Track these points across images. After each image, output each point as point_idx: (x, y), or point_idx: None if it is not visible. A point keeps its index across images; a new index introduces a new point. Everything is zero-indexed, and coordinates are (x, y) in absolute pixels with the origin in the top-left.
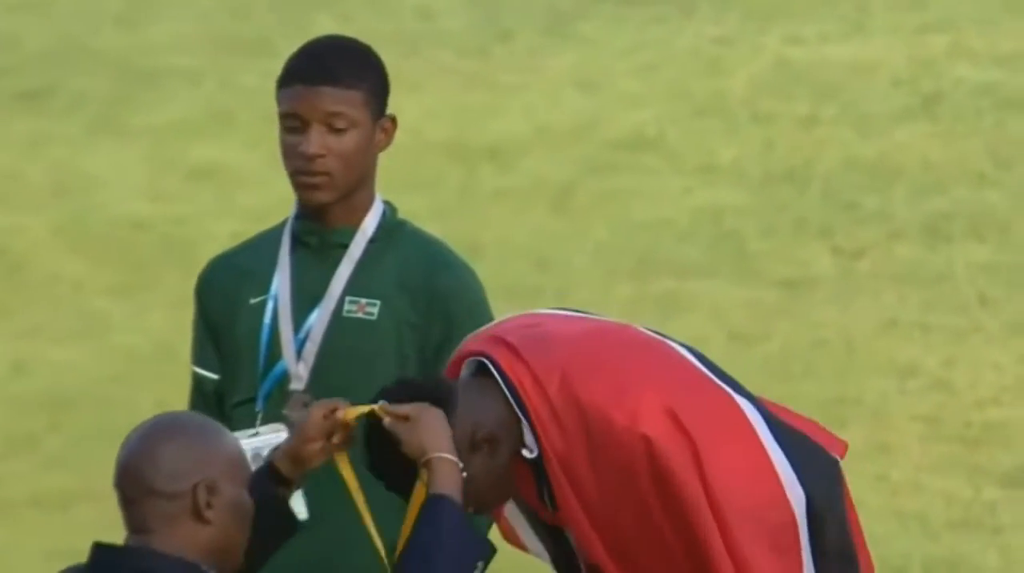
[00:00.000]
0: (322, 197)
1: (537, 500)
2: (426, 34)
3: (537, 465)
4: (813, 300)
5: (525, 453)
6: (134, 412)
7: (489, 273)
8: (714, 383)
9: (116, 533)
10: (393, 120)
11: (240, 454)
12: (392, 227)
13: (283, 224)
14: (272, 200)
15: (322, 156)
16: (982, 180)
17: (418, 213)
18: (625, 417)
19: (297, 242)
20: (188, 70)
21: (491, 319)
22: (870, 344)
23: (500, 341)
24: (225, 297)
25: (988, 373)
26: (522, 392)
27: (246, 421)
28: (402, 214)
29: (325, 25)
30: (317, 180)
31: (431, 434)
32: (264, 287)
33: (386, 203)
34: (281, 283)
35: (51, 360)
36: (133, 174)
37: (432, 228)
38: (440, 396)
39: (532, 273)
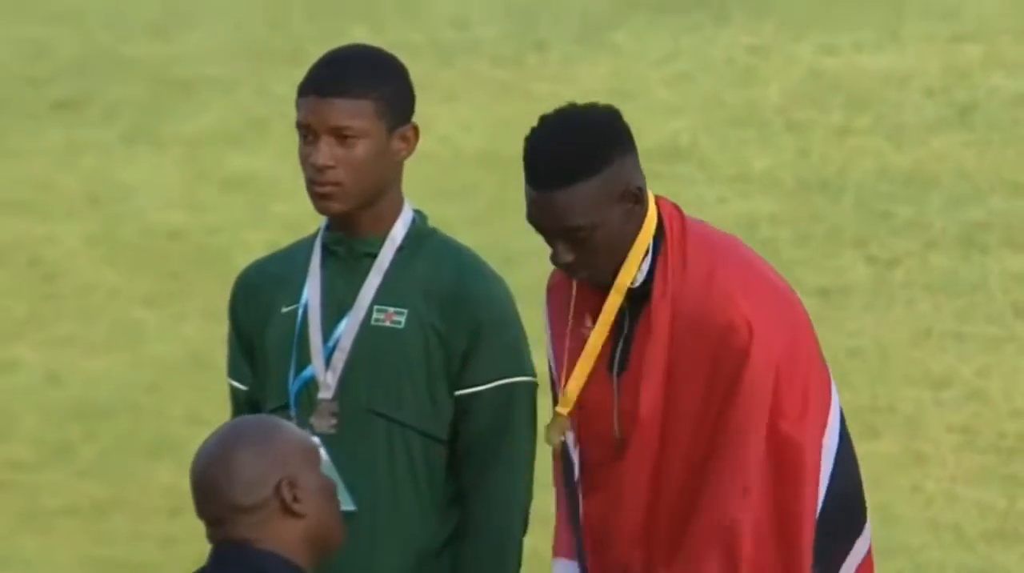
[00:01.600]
0: (334, 207)
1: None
2: (460, 43)
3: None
4: (847, 309)
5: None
6: (168, 422)
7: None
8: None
9: (148, 542)
10: (415, 129)
11: (306, 439)
12: (421, 235)
13: (316, 233)
14: (306, 210)
15: (331, 167)
16: (1017, 190)
17: (452, 222)
18: (743, 308)
19: (327, 251)
20: (222, 79)
21: (519, 328)
22: (905, 353)
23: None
24: (258, 305)
25: (1023, 383)
26: (668, 223)
27: None
28: (435, 223)
29: (359, 35)
30: (327, 190)
31: None
32: (296, 296)
33: (416, 211)
34: (311, 292)
35: (85, 369)
36: (168, 183)
37: (465, 238)
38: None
39: None
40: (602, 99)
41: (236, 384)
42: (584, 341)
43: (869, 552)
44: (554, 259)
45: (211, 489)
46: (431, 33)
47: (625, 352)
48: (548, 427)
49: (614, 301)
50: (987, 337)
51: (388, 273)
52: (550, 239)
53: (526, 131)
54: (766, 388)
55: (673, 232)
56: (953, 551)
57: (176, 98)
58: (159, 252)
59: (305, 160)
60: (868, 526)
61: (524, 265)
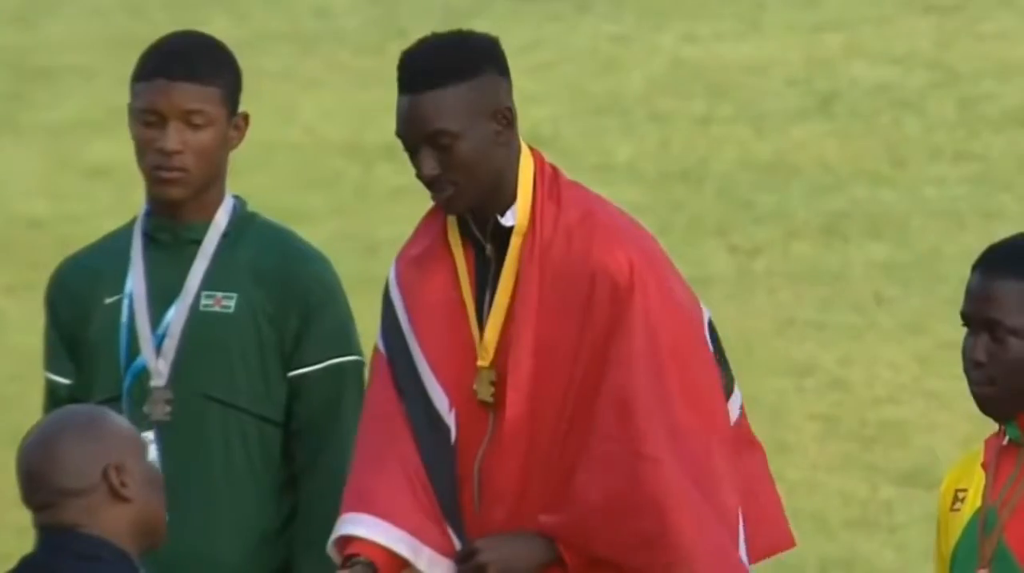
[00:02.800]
0: (178, 193)
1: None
2: (323, 32)
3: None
4: (710, 299)
5: (507, 218)
6: (30, 411)
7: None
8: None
9: (4, 532)
10: (246, 118)
11: (132, 428)
12: (244, 220)
13: (132, 223)
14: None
15: (180, 152)
16: (878, 179)
17: (316, 212)
18: (623, 249)
19: (149, 239)
20: (84, 68)
21: (347, 306)
22: (767, 343)
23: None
24: (77, 299)
25: (884, 372)
26: (539, 166)
27: None
28: (299, 212)
29: (221, 23)
30: (175, 175)
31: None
32: (118, 286)
33: (236, 197)
34: (136, 281)
35: None
36: (29, 172)
37: (329, 227)
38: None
39: None
40: None
41: (57, 378)
42: (451, 302)
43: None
44: (419, 172)
45: (39, 474)
46: (294, 22)
47: (491, 297)
48: (476, 383)
49: (516, 244)
50: (849, 326)
51: (214, 258)
52: (416, 150)
53: (389, 119)
54: (652, 328)
55: (545, 174)
56: (815, 539)
57: (37, 87)
58: (21, 242)
59: (148, 144)
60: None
61: (389, 254)
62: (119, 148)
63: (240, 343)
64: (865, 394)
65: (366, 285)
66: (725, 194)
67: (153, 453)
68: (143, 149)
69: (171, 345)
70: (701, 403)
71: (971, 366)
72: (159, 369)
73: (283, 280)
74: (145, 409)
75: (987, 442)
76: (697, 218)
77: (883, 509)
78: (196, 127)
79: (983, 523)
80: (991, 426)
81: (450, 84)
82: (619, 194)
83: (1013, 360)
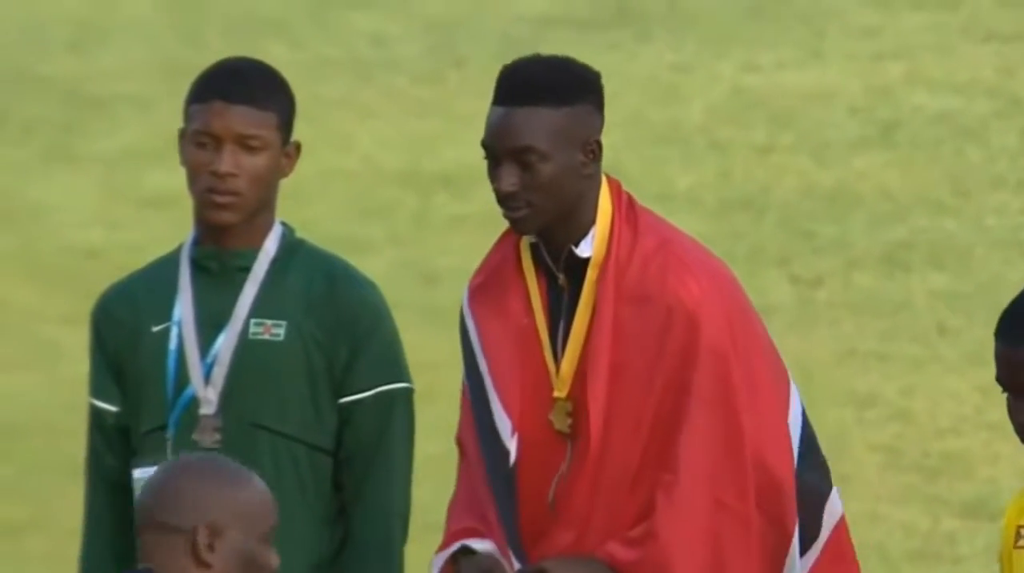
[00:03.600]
0: (230, 218)
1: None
2: (379, 60)
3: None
4: (771, 328)
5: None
6: (85, 442)
7: (445, 302)
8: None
9: (66, 564)
10: (298, 147)
11: (267, 508)
12: (292, 247)
13: (176, 251)
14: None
15: (234, 175)
16: (940, 208)
17: (373, 241)
18: (692, 284)
19: (196, 267)
20: (139, 97)
21: (395, 332)
22: (828, 373)
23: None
24: (124, 327)
25: (947, 402)
26: (615, 196)
27: (156, 449)
28: (357, 241)
29: (276, 51)
30: (227, 200)
31: None
32: (165, 314)
33: (283, 224)
34: (184, 308)
35: (1, 389)
36: (85, 202)
37: (387, 256)
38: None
39: None
40: None
41: (103, 405)
42: (523, 330)
43: (842, 517)
44: (497, 185)
45: (145, 496)
46: (350, 50)
47: (567, 328)
48: (552, 414)
49: (592, 277)
50: (911, 357)
51: (263, 285)
52: (499, 162)
53: (446, 149)
54: (723, 359)
55: (622, 202)
56: (877, 572)
57: (92, 116)
58: (77, 271)
59: (201, 167)
60: (836, 492)
61: (445, 283)
62: (175, 177)
63: (290, 371)
64: (927, 425)
65: (425, 315)
66: (786, 224)
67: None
68: (196, 172)
69: (220, 373)
70: (769, 445)
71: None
72: (208, 397)
73: (332, 306)
74: (194, 437)
75: None
76: (758, 248)
77: (946, 541)
78: (251, 151)
79: None
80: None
81: (548, 105)
82: (679, 224)
83: None
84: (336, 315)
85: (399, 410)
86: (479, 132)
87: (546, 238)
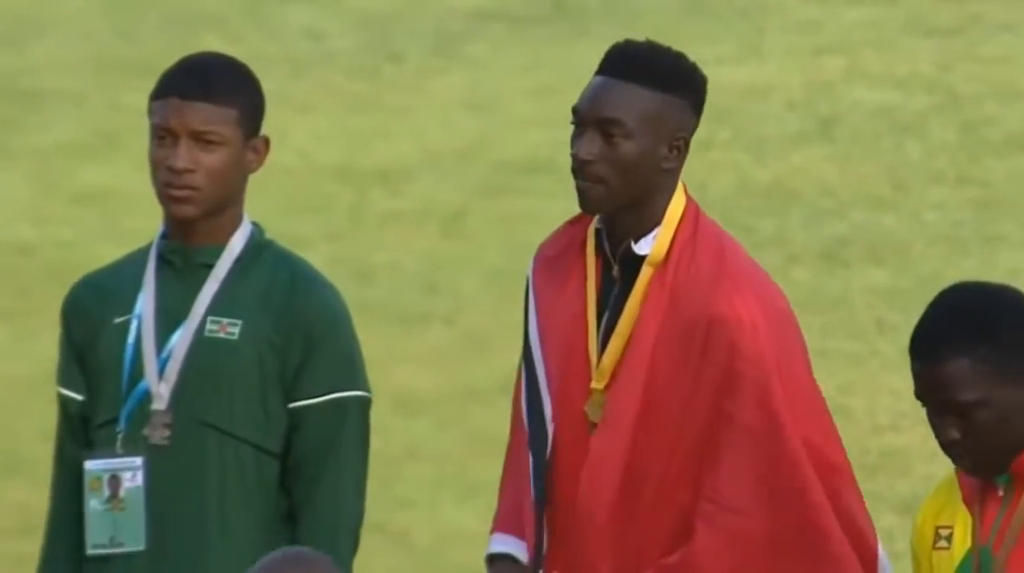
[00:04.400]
0: (188, 211)
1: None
2: (315, 55)
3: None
4: None
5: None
6: (19, 439)
7: (379, 298)
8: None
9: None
10: (266, 141)
11: None
12: (259, 247)
13: (150, 245)
14: (160, 223)
15: (191, 171)
16: (879, 204)
17: (308, 236)
18: (749, 304)
19: (162, 262)
20: (73, 92)
21: (354, 338)
22: None
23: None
24: (89, 318)
25: (885, 399)
26: (687, 207)
27: (108, 442)
28: (290, 237)
29: (212, 45)
30: (184, 194)
31: None
32: (128, 307)
33: (254, 223)
34: (145, 303)
35: None
36: (17, 197)
37: (322, 252)
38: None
39: (422, 298)
40: (459, 111)
41: (69, 393)
42: (574, 314)
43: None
44: (576, 152)
45: None
46: (285, 45)
47: (611, 321)
48: (588, 405)
49: (648, 274)
50: (850, 353)
51: (224, 284)
52: (583, 129)
53: (382, 144)
54: (764, 385)
55: (689, 208)
56: None
57: (25, 110)
58: (9, 268)
59: (160, 163)
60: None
61: (379, 279)
62: (109, 172)
63: (242, 371)
64: (866, 422)
65: (359, 311)
66: (724, 219)
67: (139, 480)
68: (155, 167)
69: (174, 369)
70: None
71: (947, 445)
72: (160, 392)
73: (289, 309)
74: (145, 432)
75: (961, 477)
76: None
77: (885, 538)
78: (208, 146)
79: (978, 564)
80: None
81: (648, 86)
82: None
83: (983, 430)
84: (292, 318)
85: (352, 418)
86: (414, 127)
87: (610, 226)
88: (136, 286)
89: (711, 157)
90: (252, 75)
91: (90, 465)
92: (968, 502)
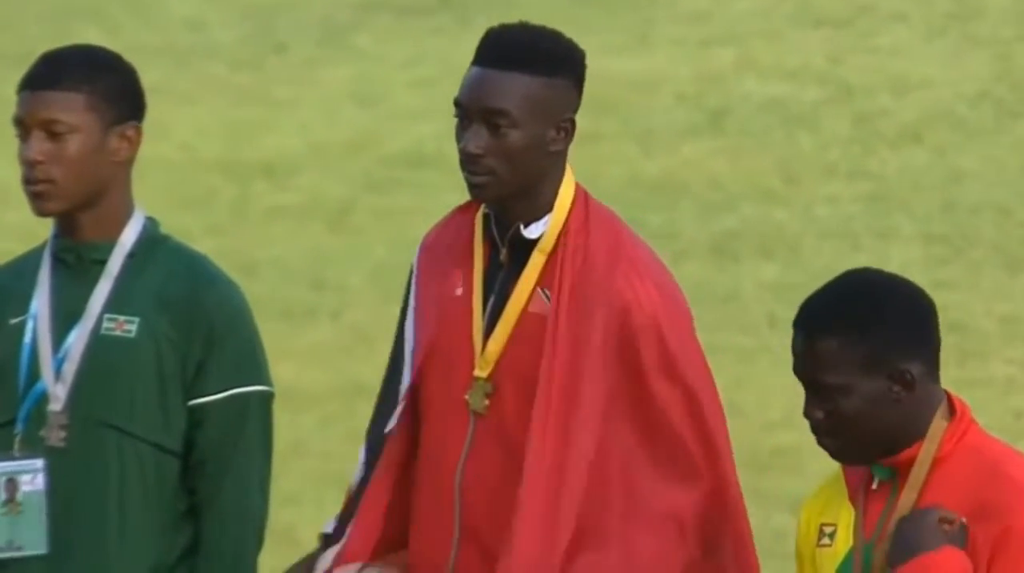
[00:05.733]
0: (49, 206)
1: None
2: (197, 46)
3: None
4: None
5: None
6: None
7: (264, 293)
8: None
9: None
10: (137, 129)
11: None
12: (154, 242)
13: (46, 243)
14: (41, 218)
15: (41, 163)
16: (771, 197)
17: (190, 230)
18: (639, 286)
19: (56, 260)
20: None
21: (256, 334)
22: None
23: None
24: None
25: (777, 396)
26: (577, 193)
27: (5, 444)
28: (173, 232)
29: (92, 37)
30: (40, 188)
31: None
32: (23, 307)
33: (148, 218)
34: (40, 302)
35: None
36: None
37: (205, 246)
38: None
39: (308, 293)
40: (345, 103)
41: None
42: (457, 302)
43: None
44: (463, 146)
45: None
46: (166, 35)
47: (497, 306)
48: (469, 393)
49: (538, 262)
50: (740, 348)
51: (118, 280)
52: (468, 122)
53: (266, 137)
54: (676, 366)
55: (579, 193)
56: None
57: None
58: None
59: (20, 158)
60: None
61: (264, 274)
62: None
63: (139, 369)
64: (757, 419)
65: None
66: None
67: (39, 483)
68: (20, 165)
69: (70, 369)
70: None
71: (812, 424)
72: (57, 393)
73: (187, 305)
74: (42, 433)
75: (847, 474)
76: None
77: (775, 538)
78: (57, 136)
79: (860, 561)
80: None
81: (527, 72)
82: None
83: (844, 416)
84: (190, 314)
85: (254, 414)
86: (300, 119)
87: (499, 211)
88: (31, 285)
89: (599, 150)
90: (114, 62)
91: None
92: (852, 498)
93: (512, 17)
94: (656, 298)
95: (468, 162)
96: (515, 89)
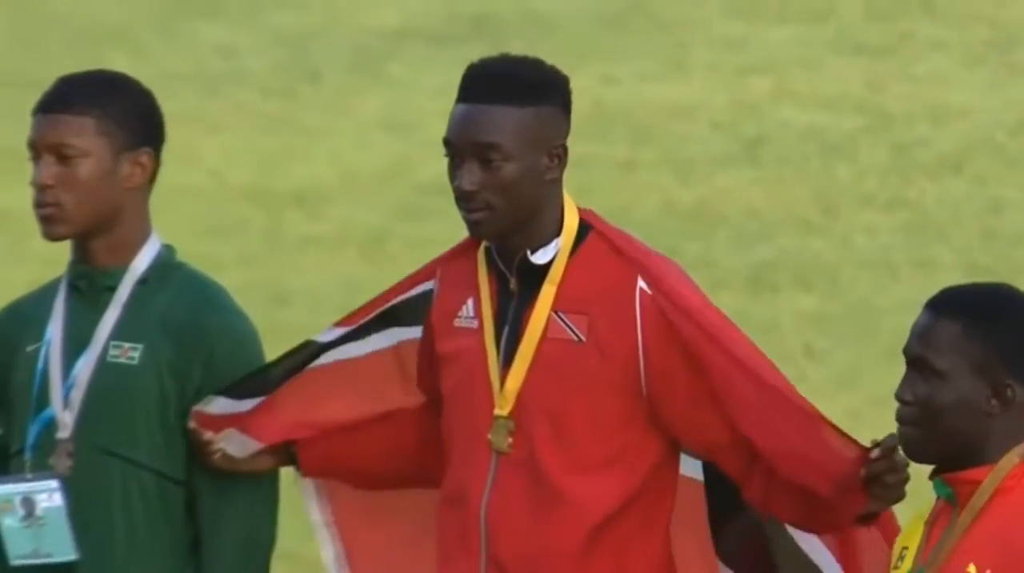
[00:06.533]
0: (58, 230)
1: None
2: (228, 73)
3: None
4: None
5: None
6: None
7: (296, 323)
8: None
9: None
10: (150, 155)
11: None
12: (168, 269)
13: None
14: (67, 245)
15: (50, 187)
16: (808, 227)
17: (222, 260)
18: (655, 273)
19: (71, 287)
20: None
21: (259, 362)
22: None
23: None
24: (7, 345)
25: None
26: (591, 219)
27: (18, 469)
28: (203, 260)
29: (120, 63)
30: (48, 211)
31: None
32: (40, 334)
33: (165, 245)
34: (54, 329)
35: None
36: None
37: (236, 276)
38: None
39: None
40: (378, 131)
41: None
42: (467, 335)
43: None
44: (457, 184)
45: None
46: (197, 62)
47: (512, 338)
48: (493, 434)
49: (549, 293)
50: None
51: (127, 307)
52: (460, 160)
53: (298, 165)
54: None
55: (600, 223)
56: None
57: None
58: None
59: (32, 183)
60: None
61: (296, 304)
62: (12, 193)
63: (141, 396)
64: None
65: (275, 337)
66: (648, 242)
67: (57, 500)
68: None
69: (78, 396)
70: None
71: (899, 405)
72: (65, 420)
73: (189, 332)
74: (51, 461)
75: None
76: None
77: None
78: (67, 160)
79: None
80: (923, 482)
81: (515, 104)
82: None
83: (935, 405)
84: (191, 339)
85: None
86: (332, 148)
87: (501, 243)
88: (49, 312)
89: (635, 178)
90: (129, 86)
91: (3, 488)
92: (928, 521)
93: (545, 44)
94: (673, 281)
95: (464, 199)
96: (504, 121)
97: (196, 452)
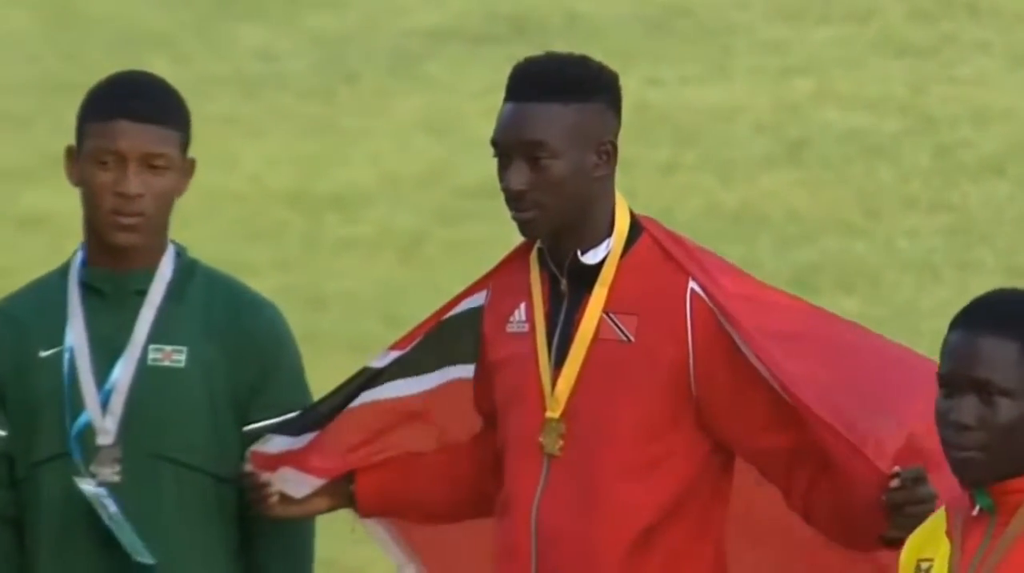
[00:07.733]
0: (134, 239)
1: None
2: (267, 76)
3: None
4: None
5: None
6: None
7: (334, 326)
8: None
9: None
10: (193, 163)
11: None
12: (188, 269)
13: (60, 272)
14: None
15: (141, 196)
16: (850, 230)
17: (259, 263)
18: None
19: (88, 289)
20: (17, 114)
21: (299, 356)
22: None
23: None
24: (8, 351)
25: None
26: (644, 222)
27: (59, 476)
28: (242, 264)
29: (160, 67)
30: (133, 221)
31: None
32: (53, 339)
33: (176, 244)
34: (76, 334)
35: None
36: None
37: (274, 279)
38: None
39: (379, 327)
40: (417, 134)
41: None
42: (519, 340)
43: None
44: (506, 185)
45: None
46: (235, 65)
47: (563, 338)
48: (543, 436)
49: (601, 295)
50: None
51: (161, 310)
52: (508, 160)
53: (336, 168)
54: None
55: (654, 225)
56: None
57: None
58: None
59: (106, 188)
60: None
61: (334, 307)
62: (53, 197)
63: (191, 399)
64: None
65: (311, 341)
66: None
67: (113, 507)
68: (98, 193)
69: (119, 401)
70: None
71: (955, 430)
72: (106, 427)
73: (236, 333)
74: (93, 468)
75: (948, 508)
76: None
77: None
78: (156, 170)
79: None
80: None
81: (561, 101)
82: None
83: (1005, 424)
84: (238, 341)
85: None
86: (371, 150)
87: (552, 244)
88: (57, 316)
89: (677, 180)
90: (181, 95)
91: (86, 488)
92: (950, 532)
93: (588, 46)
94: (721, 280)
95: (513, 199)
96: (550, 119)
97: (252, 500)
